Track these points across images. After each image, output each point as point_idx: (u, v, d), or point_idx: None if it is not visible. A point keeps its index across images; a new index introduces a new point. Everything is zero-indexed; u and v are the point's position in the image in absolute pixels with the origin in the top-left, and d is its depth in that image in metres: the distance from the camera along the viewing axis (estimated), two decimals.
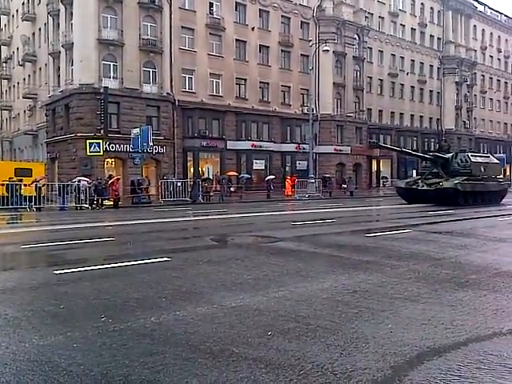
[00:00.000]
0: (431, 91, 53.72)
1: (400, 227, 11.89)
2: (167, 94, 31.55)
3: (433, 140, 51.39)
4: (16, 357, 3.34)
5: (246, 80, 36.66)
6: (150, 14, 30.85)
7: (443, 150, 25.62)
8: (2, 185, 20.94)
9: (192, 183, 26.98)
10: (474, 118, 58.26)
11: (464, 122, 55.92)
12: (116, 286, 5.62)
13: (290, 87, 39.45)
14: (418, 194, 22.60)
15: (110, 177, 24.92)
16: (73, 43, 29.55)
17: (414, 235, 10.46)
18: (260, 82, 37.59)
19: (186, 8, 33.59)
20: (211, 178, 31.84)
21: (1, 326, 4.09)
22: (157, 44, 30.90)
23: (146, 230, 12.31)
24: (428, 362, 3.29)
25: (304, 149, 36.45)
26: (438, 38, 54.36)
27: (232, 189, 29.59)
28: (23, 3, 40.74)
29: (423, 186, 22.93)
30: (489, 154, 30.33)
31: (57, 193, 22.34)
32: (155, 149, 29.11)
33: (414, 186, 23.38)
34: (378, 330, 3.95)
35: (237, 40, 36.14)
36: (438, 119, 53.91)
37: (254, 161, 36.66)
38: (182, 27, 33.13)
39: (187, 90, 33.55)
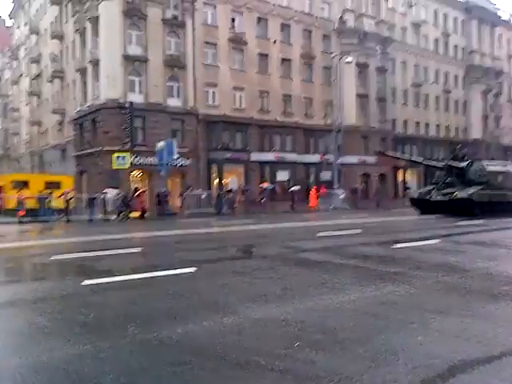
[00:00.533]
0: (457, 101, 53.02)
1: (427, 238, 11.66)
2: (191, 107, 31.96)
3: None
4: (47, 365, 3.39)
5: (268, 93, 36.92)
6: (174, 30, 31.45)
7: (458, 158, 24.81)
8: (33, 197, 21.45)
9: (217, 195, 27.14)
10: (502, 127, 57.12)
11: (491, 131, 54.86)
12: (143, 296, 5.68)
13: (312, 99, 39.55)
14: (432, 205, 21.72)
15: (136, 189, 25.27)
16: (99, 59, 30.30)
17: (442, 246, 10.25)
18: (282, 95, 37.79)
19: (209, 23, 34.16)
20: (235, 189, 31.91)
21: (32, 334, 4.18)
22: (180, 59, 31.42)
23: (172, 241, 12.40)
24: (460, 376, 3.20)
25: (328, 160, 36.31)
26: (463, 48, 53.73)
27: (264, 199, 29.56)
28: (51, 22, 42.12)
29: (437, 197, 21.96)
30: (508, 163, 28.98)
31: (85, 205, 22.75)
32: (180, 161, 29.40)
33: (428, 197, 22.43)
34: (408, 342, 3.87)
35: (259, 54, 36.50)
36: (464, 128, 53.04)
37: (278, 172, 36.71)
38: (205, 42, 33.71)
39: (211, 103, 33.97)
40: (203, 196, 26.39)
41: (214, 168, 33.92)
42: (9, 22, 64.03)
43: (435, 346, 3.76)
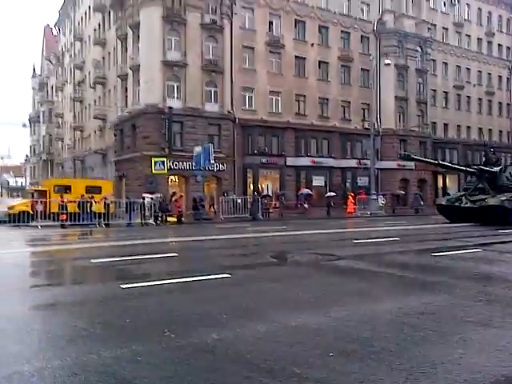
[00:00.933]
0: (500, 103, 51.25)
1: (468, 246, 11.31)
2: (228, 112, 32.20)
3: (503, 154, 48.71)
4: (85, 367, 3.47)
5: (305, 96, 36.75)
6: (212, 35, 31.77)
7: (490, 162, 23.38)
8: (75, 202, 22.06)
9: (252, 200, 27.21)
10: None
11: None
12: (178, 301, 5.75)
13: (350, 102, 39.06)
14: (461, 212, 20.66)
15: (174, 194, 25.65)
16: (139, 65, 30.95)
17: (484, 255, 9.92)
18: (319, 98, 37.53)
19: (247, 27, 34.36)
20: (270, 194, 31.96)
21: (71, 336, 4.29)
22: (218, 64, 31.69)
23: (208, 246, 12.53)
24: None
25: (365, 164, 35.77)
26: (508, 48, 51.96)
27: (306, 205, 29.61)
28: (95, 29, 43.50)
29: (467, 203, 20.84)
30: None
31: (124, 209, 23.23)
32: (216, 166, 29.49)
33: (457, 203, 21.33)
34: (447, 354, 3.74)
35: (296, 57, 36.41)
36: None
37: (314, 177, 36.42)
38: (243, 46, 33.89)
39: (247, 108, 34.13)
40: (239, 201, 26.49)
41: (250, 173, 34.01)
42: (55, 31, 66.52)
43: (476, 360, 3.63)
